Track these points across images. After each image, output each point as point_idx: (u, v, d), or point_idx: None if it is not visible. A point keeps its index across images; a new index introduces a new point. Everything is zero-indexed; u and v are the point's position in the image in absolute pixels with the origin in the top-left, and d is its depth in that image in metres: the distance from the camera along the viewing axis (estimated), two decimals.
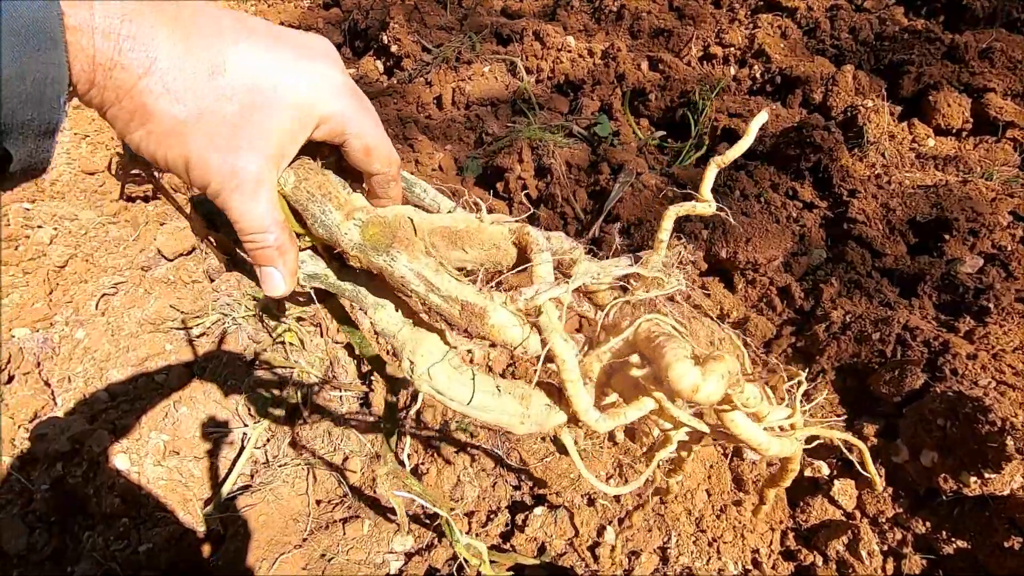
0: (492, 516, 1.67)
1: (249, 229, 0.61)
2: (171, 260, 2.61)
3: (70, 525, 1.80)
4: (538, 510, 1.62)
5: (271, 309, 2.20)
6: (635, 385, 0.65)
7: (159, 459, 1.88)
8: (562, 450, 0.77)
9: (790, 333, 2.00)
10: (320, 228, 0.66)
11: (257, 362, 2.12)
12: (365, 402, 2.01)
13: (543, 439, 1.80)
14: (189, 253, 2.65)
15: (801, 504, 1.68)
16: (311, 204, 0.65)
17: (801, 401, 0.88)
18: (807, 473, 1.74)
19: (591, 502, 1.66)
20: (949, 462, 1.52)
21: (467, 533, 1.66)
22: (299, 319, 2.22)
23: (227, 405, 2.04)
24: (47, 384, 2.22)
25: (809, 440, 1.68)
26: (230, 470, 1.87)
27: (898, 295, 1.99)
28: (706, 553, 1.59)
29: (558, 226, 2.55)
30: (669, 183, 2.48)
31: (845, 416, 1.77)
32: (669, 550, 1.58)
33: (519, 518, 1.62)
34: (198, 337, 2.31)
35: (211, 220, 0.79)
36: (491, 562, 1.41)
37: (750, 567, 1.60)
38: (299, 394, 2.01)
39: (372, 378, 2.02)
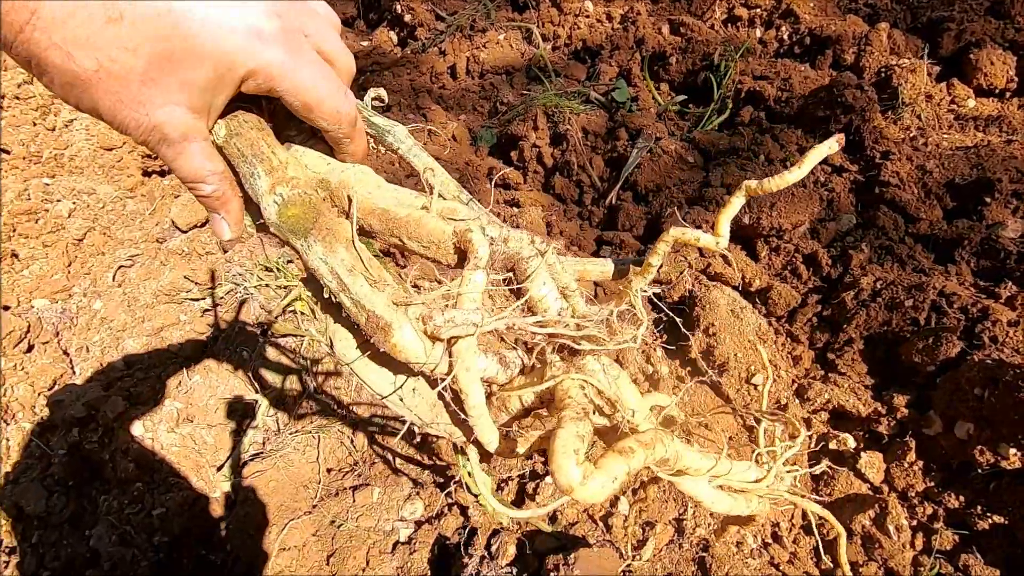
0: (503, 485, 1.64)
1: (185, 179, 0.57)
2: (185, 232, 2.62)
3: (87, 489, 1.82)
4: (549, 479, 1.58)
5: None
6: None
7: (172, 426, 1.89)
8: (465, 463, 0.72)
9: (816, 302, 1.91)
10: (250, 191, 0.61)
11: (268, 331, 2.11)
12: None
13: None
14: (203, 225, 2.65)
15: (824, 477, 1.61)
16: (241, 163, 0.59)
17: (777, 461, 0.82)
18: (831, 446, 1.67)
19: None
20: (986, 434, 1.44)
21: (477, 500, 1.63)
22: None
23: (239, 374, 2.03)
24: (65, 353, 2.24)
25: (833, 416, 1.59)
26: (242, 437, 1.86)
27: (933, 261, 1.88)
28: (714, 527, 1.53)
29: (573, 196, 2.48)
30: (690, 148, 2.38)
31: (872, 385, 1.69)
32: (685, 521, 1.52)
33: (530, 487, 1.58)
34: (211, 307, 2.31)
35: None
36: (497, 531, 1.38)
37: (770, 541, 1.54)
38: (309, 362, 1.99)
39: None
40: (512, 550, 1.45)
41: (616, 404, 0.57)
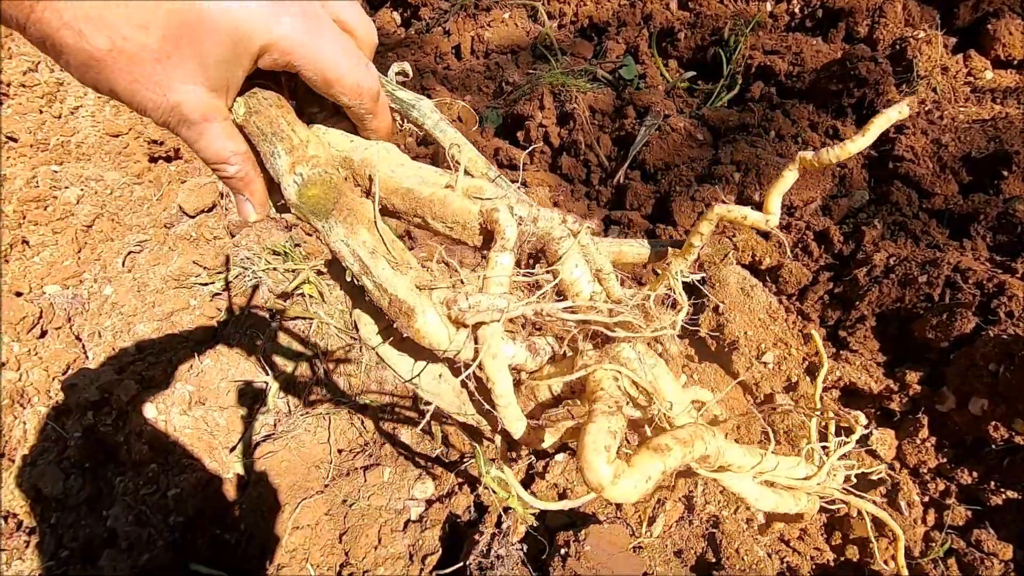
0: (512, 463, 1.64)
1: (208, 161, 0.56)
2: (193, 217, 2.62)
3: (103, 471, 1.85)
4: (559, 456, 1.58)
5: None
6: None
7: (185, 408, 1.91)
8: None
9: (827, 279, 1.88)
10: (271, 171, 0.59)
11: (277, 314, 2.12)
12: None
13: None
14: (210, 210, 2.65)
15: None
16: (261, 143, 0.58)
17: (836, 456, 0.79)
18: (843, 424, 1.66)
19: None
20: (1000, 409, 1.42)
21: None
22: (319, 272, 2.20)
23: (249, 357, 2.04)
24: (78, 338, 2.27)
25: (845, 394, 1.56)
26: (253, 419, 1.88)
27: (948, 237, 1.85)
28: (734, 503, 1.53)
29: (581, 175, 2.45)
30: (699, 126, 2.35)
31: (885, 362, 1.67)
32: (695, 499, 1.52)
33: (540, 465, 1.59)
34: (221, 291, 2.32)
35: None
36: (508, 508, 1.39)
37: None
38: (319, 346, 2.00)
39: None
40: (522, 528, 1.46)
41: (653, 396, 0.55)
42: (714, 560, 1.42)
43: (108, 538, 1.72)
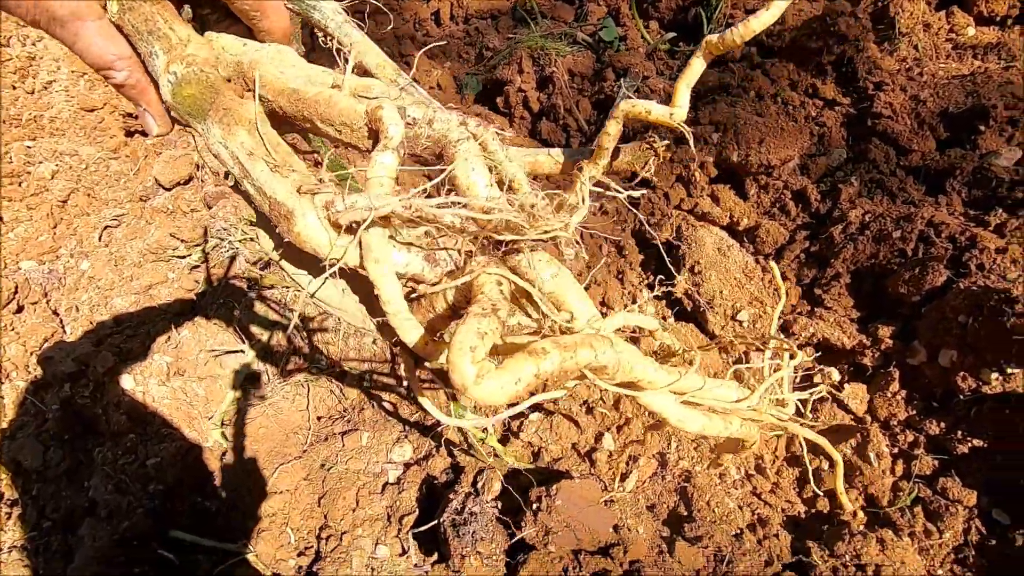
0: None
1: (93, 66, 0.54)
2: (169, 189, 2.58)
3: (82, 443, 1.85)
4: (533, 416, 1.59)
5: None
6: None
7: (163, 379, 1.90)
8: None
9: (804, 238, 1.88)
10: (152, 73, 0.56)
11: (255, 284, 2.10)
12: None
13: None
14: (187, 182, 2.61)
15: (807, 410, 1.61)
16: (140, 43, 0.55)
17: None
18: (816, 380, 1.67)
19: (589, 410, 1.62)
20: (969, 360, 1.43)
21: (459, 444, 1.65)
22: None
23: (228, 327, 2.03)
24: (55, 313, 2.25)
25: (819, 349, 1.57)
26: (232, 388, 1.88)
27: (924, 193, 1.84)
28: (707, 458, 1.55)
29: (560, 140, 2.42)
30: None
31: (859, 318, 1.68)
32: (668, 455, 1.54)
33: (514, 424, 1.59)
34: (199, 264, 2.30)
35: None
36: (487, 464, 1.40)
37: (753, 472, 1.56)
38: (296, 314, 1.99)
39: None
40: (497, 486, 1.47)
41: (541, 302, 0.54)
42: (686, 513, 1.44)
43: (89, 508, 1.72)
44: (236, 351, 1.96)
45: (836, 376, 1.67)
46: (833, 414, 1.58)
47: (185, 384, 1.92)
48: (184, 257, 2.33)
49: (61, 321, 2.22)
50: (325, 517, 1.58)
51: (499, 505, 1.42)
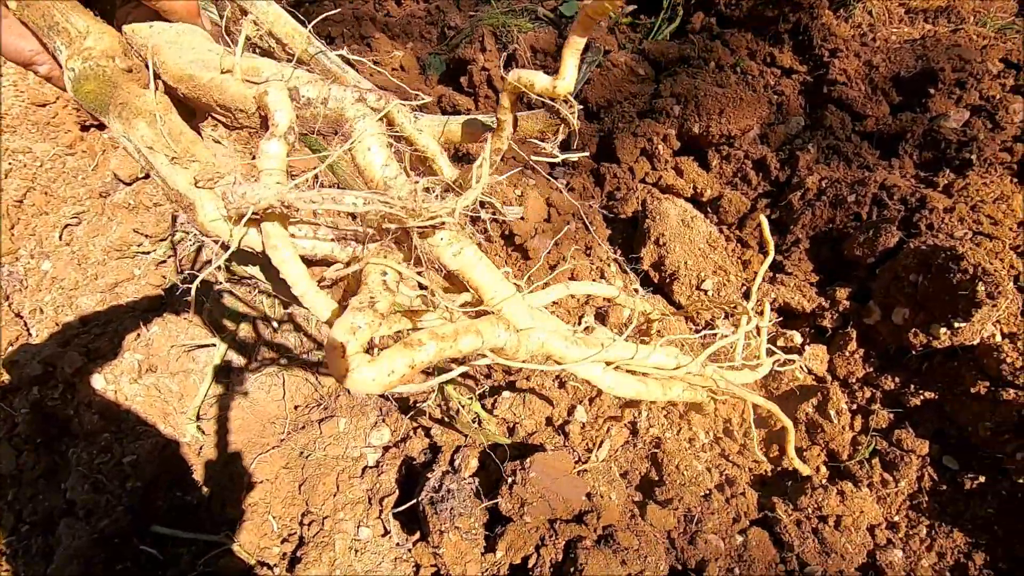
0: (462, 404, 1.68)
1: (15, 63, 0.53)
2: (129, 184, 2.53)
3: (56, 445, 1.83)
4: (506, 393, 1.62)
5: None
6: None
7: (135, 377, 1.89)
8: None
9: (765, 206, 1.92)
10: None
11: (224, 276, 2.08)
12: None
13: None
14: (147, 176, 2.56)
15: (772, 373, 1.67)
16: (45, 39, 0.54)
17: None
18: (780, 343, 1.72)
19: (562, 384, 1.66)
20: (920, 317, 1.49)
21: (437, 421, 1.67)
22: None
23: (197, 321, 2.02)
24: (19, 316, 2.20)
25: (781, 314, 1.61)
26: (206, 381, 1.87)
27: (878, 157, 1.89)
28: (676, 425, 1.60)
29: None
30: (640, 60, 2.32)
31: (818, 282, 1.73)
32: (639, 424, 1.58)
33: (488, 402, 1.62)
34: (165, 259, 2.26)
35: None
36: (468, 438, 1.42)
37: (721, 436, 1.62)
38: (267, 303, 1.98)
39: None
40: (474, 463, 1.50)
41: (434, 292, 0.55)
42: (657, 478, 1.49)
43: (67, 509, 1.72)
44: (208, 345, 1.95)
45: (798, 339, 1.73)
46: (795, 377, 1.64)
47: (158, 380, 1.91)
48: (149, 253, 2.29)
49: (25, 324, 2.18)
50: (307, 503, 1.60)
51: (477, 481, 1.45)
